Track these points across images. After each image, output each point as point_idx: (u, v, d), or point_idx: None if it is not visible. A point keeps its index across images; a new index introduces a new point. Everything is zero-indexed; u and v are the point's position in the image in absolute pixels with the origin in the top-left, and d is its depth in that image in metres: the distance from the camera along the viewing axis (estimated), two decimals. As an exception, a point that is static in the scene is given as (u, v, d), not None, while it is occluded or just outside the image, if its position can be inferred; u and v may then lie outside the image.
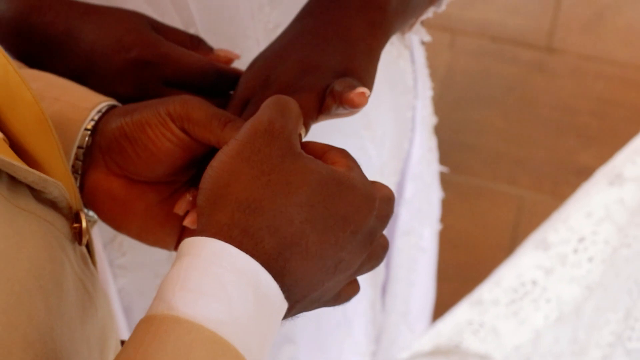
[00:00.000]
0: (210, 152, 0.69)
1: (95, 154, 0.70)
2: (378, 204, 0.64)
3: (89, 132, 0.70)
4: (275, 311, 0.59)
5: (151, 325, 0.56)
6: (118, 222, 0.71)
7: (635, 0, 2.69)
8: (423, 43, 1.13)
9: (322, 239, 0.60)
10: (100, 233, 1.01)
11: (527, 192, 2.29)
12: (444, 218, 2.28)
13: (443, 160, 2.34)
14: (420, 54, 1.10)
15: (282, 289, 0.59)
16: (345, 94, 0.70)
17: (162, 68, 0.76)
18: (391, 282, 1.34)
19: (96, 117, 0.70)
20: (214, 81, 0.76)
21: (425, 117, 1.16)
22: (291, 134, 0.63)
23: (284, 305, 0.60)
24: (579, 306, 1.40)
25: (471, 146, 2.37)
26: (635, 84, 2.50)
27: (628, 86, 2.50)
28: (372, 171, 1.10)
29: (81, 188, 0.71)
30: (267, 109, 0.63)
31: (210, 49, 0.81)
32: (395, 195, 1.22)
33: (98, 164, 0.70)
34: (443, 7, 0.88)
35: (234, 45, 0.85)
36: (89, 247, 0.69)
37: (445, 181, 2.36)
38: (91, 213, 0.72)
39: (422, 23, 1.02)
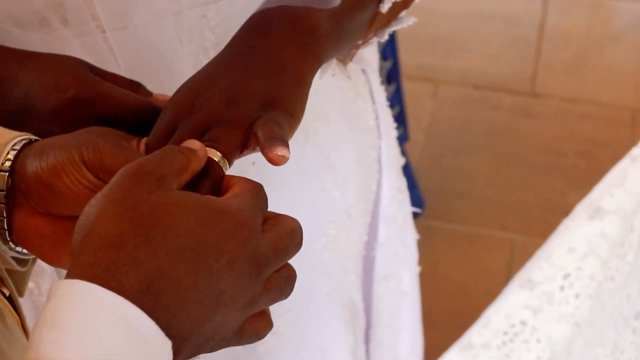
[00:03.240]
0: None
1: (18, 195, 0.69)
2: (276, 234, 0.63)
3: (6, 174, 0.69)
4: (157, 350, 0.57)
5: None
6: (49, 258, 0.71)
7: (615, 41, 2.70)
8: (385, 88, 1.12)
9: (194, 269, 0.59)
10: None
11: (518, 235, 2.28)
12: (436, 266, 2.28)
13: (432, 208, 2.35)
14: (380, 94, 1.10)
15: (160, 326, 0.57)
16: (266, 150, 0.69)
17: (98, 106, 0.77)
18: (374, 329, 1.32)
19: (11, 156, 0.69)
20: (149, 119, 0.76)
21: (391, 157, 1.15)
22: (164, 176, 0.62)
23: (166, 343, 0.58)
24: (569, 344, 1.38)
25: (459, 193, 2.36)
26: (619, 123, 2.50)
27: (612, 125, 2.50)
28: (338, 214, 1.09)
29: (10, 229, 0.71)
30: (148, 157, 0.63)
31: (149, 93, 0.81)
32: (368, 238, 1.21)
33: (22, 205, 0.69)
34: (385, 36, 0.87)
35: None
36: (12, 302, 0.69)
37: (435, 229, 2.37)
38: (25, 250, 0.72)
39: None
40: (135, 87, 0.80)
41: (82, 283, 0.57)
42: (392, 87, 2.17)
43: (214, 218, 0.60)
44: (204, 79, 0.74)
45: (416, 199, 2.23)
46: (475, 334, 1.45)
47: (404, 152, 2.25)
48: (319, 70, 0.80)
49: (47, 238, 0.70)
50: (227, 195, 0.63)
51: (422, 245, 2.31)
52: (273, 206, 1.06)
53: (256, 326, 0.64)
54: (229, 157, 0.69)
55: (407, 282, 1.34)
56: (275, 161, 0.68)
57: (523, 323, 1.43)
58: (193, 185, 0.66)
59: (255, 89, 0.72)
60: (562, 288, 1.36)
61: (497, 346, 1.47)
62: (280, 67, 0.74)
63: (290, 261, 1.16)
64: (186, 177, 0.64)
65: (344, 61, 0.85)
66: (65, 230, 0.70)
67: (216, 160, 0.68)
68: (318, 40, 0.76)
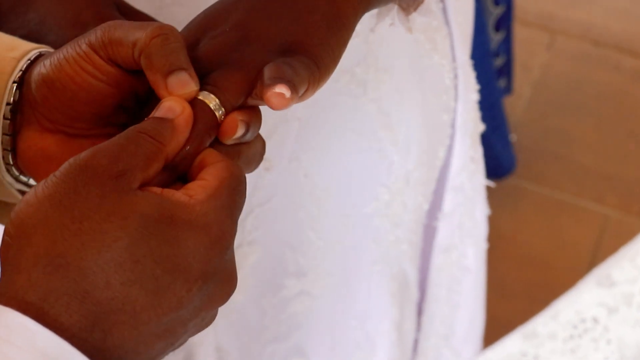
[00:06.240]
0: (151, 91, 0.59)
1: (26, 110, 0.61)
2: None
3: (15, 85, 0.61)
4: None
5: None
6: None
7: None
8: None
9: (156, 302, 0.48)
10: None
11: (613, 211, 2.11)
12: (518, 231, 2.13)
13: (524, 168, 2.19)
14: (463, 51, 0.95)
15: None
16: (265, 89, 0.56)
17: None
18: (428, 302, 1.21)
19: (25, 67, 0.61)
20: None
21: (467, 122, 1.01)
22: (124, 173, 0.50)
23: None
24: (642, 353, 1.26)
25: (557, 156, 2.20)
26: None
27: None
28: (394, 178, 0.97)
29: (15, 150, 0.62)
30: (104, 146, 0.52)
31: None
32: (430, 206, 1.09)
33: (30, 121, 0.61)
34: None
35: None
36: None
37: (523, 191, 2.21)
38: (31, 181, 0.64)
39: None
40: None
41: (10, 313, 0.46)
42: (501, 35, 2.00)
43: (185, 236, 0.49)
44: (218, 12, 0.62)
45: (508, 158, 2.08)
46: (541, 323, 1.33)
47: (504, 106, 2.09)
48: (375, 18, 0.66)
49: (54, 161, 0.60)
50: (201, 196, 0.51)
51: (507, 207, 2.17)
52: (319, 162, 0.95)
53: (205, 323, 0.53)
54: (228, 105, 0.58)
55: (471, 258, 1.22)
56: (271, 101, 0.56)
57: (595, 320, 1.32)
58: None
59: (277, 30, 0.60)
60: (643, 292, 1.23)
61: (564, 339, 1.37)
62: (313, 5, 0.61)
63: (334, 225, 1.02)
64: (157, 166, 0.53)
65: (407, 10, 0.71)
66: (75, 153, 0.60)
67: (211, 107, 0.57)
68: None
